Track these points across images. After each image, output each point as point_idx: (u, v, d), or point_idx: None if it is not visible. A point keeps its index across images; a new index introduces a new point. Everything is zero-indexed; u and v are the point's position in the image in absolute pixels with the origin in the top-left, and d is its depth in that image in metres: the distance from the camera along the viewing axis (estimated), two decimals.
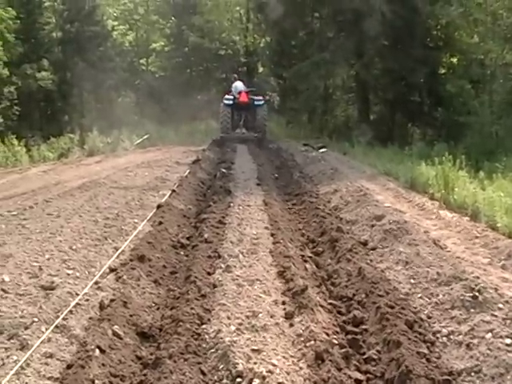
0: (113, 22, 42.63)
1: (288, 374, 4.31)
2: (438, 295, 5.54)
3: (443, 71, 26.78)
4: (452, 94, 24.64)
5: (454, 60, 26.37)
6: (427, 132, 26.12)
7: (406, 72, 24.15)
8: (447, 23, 24.18)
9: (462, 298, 5.29)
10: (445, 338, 4.86)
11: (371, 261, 7.01)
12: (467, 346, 4.65)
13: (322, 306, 5.46)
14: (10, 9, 29.20)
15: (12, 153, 22.89)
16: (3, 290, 5.63)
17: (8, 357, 4.50)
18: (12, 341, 4.73)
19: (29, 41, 32.21)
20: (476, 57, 23.88)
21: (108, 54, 37.77)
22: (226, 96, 23.70)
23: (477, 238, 7.53)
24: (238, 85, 24.44)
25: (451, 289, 5.53)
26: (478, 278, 5.62)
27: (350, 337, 4.98)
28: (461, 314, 5.09)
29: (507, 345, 4.46)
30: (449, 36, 25.74)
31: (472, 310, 5.09)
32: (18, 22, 30.25)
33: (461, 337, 4.79)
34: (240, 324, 5.08)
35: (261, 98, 24.28)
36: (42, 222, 8.73)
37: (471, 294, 5.27)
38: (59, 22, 36.27)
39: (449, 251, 6.86)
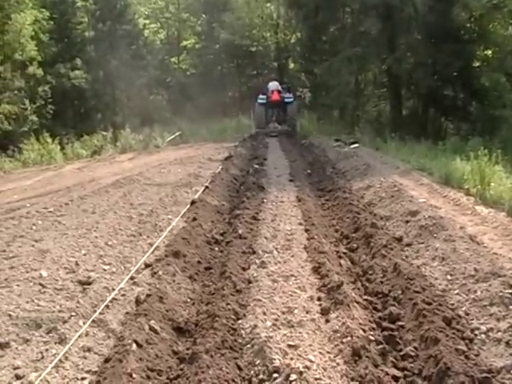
0: (144, 20, 43.01)
1: (325, 369, 4.29)
2: (475, 292, 5.44)
3: (477, 64, 26.29)
4: (487, 87, 24.24)
5: (489, 53, 25.90)
6: (461, 126, 25.71)
7: (440, 66, 23.85)
8: (481, 15, 23.76)
9: (500, 294, 5.19)
10: (483, 335, 4.77)
11: (407, 257, 6.93)
12: (507, 343, 4.57)
13: (357, 302, 5.41)
14: (43, 10, 29.67)
15: (46, 150, 23.29)
16: (41, 284, 5.72)
17: (47, 350, 4.59)
18: (51, 334, 4.81)
19: (62, 40, 32.76)
20: (511, 49, 23.44)
21: (140, 53, 38.13)
22: (260, 96, 26.10)
23: None
24: (272, 84, 26.80)
25: (489, 285, 5.43)
26: None
27: (386, 333, 4.92)
28: (500, 311, 4.99)
29: None
30: (483, 28, 25.24)
31: (511, 307, 5.00)
32: (52, 22, 30.80)
33: (500, 334, 4.71)
34: (276, 319, 5.07)
35: (291, 95, 26.31)
36: (77, 218, 8.85)
37: (510, 291, 5.19)
38: (91, 21, 36.77)
39: (486, 247, 6.75)
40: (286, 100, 25.97)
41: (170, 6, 45.92)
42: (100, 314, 5.25)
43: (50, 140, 24.06)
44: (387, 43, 26.53)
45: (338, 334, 4.78)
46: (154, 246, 7.44)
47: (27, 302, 5.29)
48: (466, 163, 11.31)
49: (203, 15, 42.55)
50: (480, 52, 26.13)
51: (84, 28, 36.70)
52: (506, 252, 6.55)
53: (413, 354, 4.57)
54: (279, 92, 26.31)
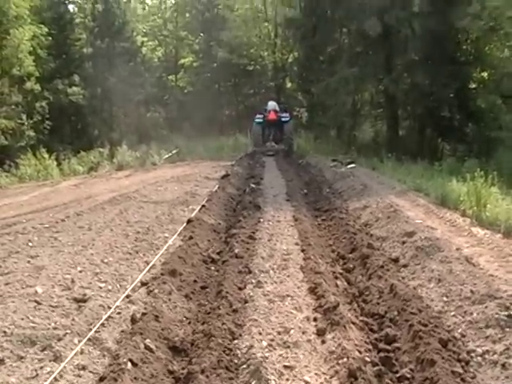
0: (142, 37, 43.25)
1: None
2: (471, 313, 5.44)
3: (473, 86, 26.43)
4: (483, 108, 24.35)
5: (485, 74, 26.06)
6: (457, 147, 25.69)
7: (436, 87, 23.96)
8: (477, 37, 23.94)
9: (496, 316, 5.19)
10: (479, 358, 4.77)
11: (403, 278, 6.94)
12: (502, 365, 4.57)
13: (353, 323, 5.41)
14: (42, 25, 29.82)
15: (43, 166, 23.26)
16: (36, 301, 5.70)
17: (41, 368, 4.56)
18: (45, 352, 4.78)
19: (60, 56, 32.89)
20: (507, 71, 23.53)
21: (137, 70, 38.26)
22: (257, 115, 27.15)
23: (510, 255, 7.37)
24: (270, 104, 27.56)
25: (485, 307, 5.43)
26: None
27: (382, 355, 4.91)
28: (496, 333, 4.99)
29: None
30: (479, 50, 25.44)
31: (507, 329, 4.99)
32: (50, 38, 30.92)
33: (496, 356, 4.71)
34: (272, 340, 5.06)
35: (287, 114, 26.98)
36: (73, 234, 8.85)
37: (506, 313, 5.19)
38: (90, 38, 36.96)
39: (482, 269, 6.75)
40: (283, 119, 26.65)
41: (168, 24, 46.25)
42: (95, 331, 5.22)
43: (46, 156, 24.04)
44: (384, 64, 26.68)
45: (334, 355, 4.76)
46: (151, 264, 7.43)
47: (22, 319, 5.26)
48: (462, 184, 11.33)
49: (201, 34, 42.80)
50: (476, 74, 26.28)
51: (82, 44, 36.89)
52: (502, 274, 6.55)
53: (409, 375, 4.55)
54: (276, 112, 26.98)
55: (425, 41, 23.67)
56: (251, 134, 28.29)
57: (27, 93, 28.29)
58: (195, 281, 7.02)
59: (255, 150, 26.49)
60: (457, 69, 23.70)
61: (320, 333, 5.26)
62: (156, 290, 6.25)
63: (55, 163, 24.05)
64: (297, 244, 8.51)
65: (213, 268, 7.73)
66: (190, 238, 8.69)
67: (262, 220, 10.31)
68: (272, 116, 26.76)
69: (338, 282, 6.78)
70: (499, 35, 23.74)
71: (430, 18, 23.43)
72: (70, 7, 37.67)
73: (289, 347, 4.96)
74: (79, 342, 5.00)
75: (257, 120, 26.96)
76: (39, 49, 29.68)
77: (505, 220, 8.75)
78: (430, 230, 8.58)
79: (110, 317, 5.61)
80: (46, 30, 30.17)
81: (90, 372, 4.63)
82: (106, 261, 7.38)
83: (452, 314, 5.62)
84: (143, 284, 6.70)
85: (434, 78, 23.55)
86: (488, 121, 23.61)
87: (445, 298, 6.00)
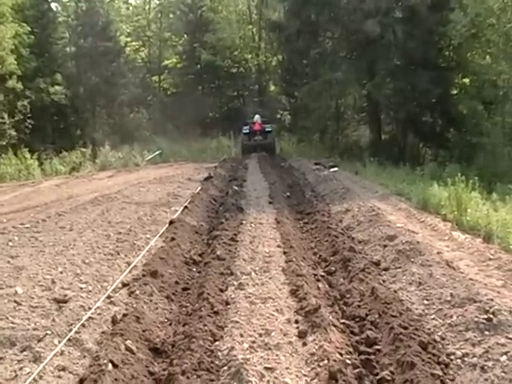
0: (126, 38, 42.98)
1: None
2: (451, 317, 5.48)
3: (455, 92, 26.74)
4: (464, 114, 24.64)
5: (467, 81, 26.33)
6: (439, 153, 26.00)
7: (418, 92, 24.20)
8: (459, 44, 24.16)
9: (476, 319, 5.23)
10: (459, 360, 4.80)
11: (384, 281, 6.96)
12: (482, 368, 4.59)
13: (334, 326, 5.41)
14: (24, 24, 29.57)
15: (24, 166, 23.09)
16: (16, 302, 5.66)
17: (21, 369, 4.52)
18: (25, 353, 4.75)
19: (42, 55, 32.61)
20: (488, 78, 23.74)
21: (121, 70, 38.10)
22: (244, 127, 29.96)
23: (490, 259, 7.46)
24: (256, 117, 30.51)
25: (465, 310, 5.47)
26: (491, 300, 5.57)
27: (363, 357, 4.93)
28: (475, 336, 5.03)
29: None
30: (461, 57, 25.74)
31: (486, 333, 5.03)
32: (33, 36, 30.64)
33: (475, 359, 4.73)
34: (253, 342, 5.06)
35: (269, 125, 30.21)
36: (54, 235, 8.79)
37: (485, 316, 5.22)
38: (73, 37, 36.80)
39: (462, 273, 6.81)
40: (267, 129, 29.64)
41: (151, 25, 46.13)
42: (76, 332, 5.19)
43: (28, 155, 23.90)
44: (367, 68, 26.82)
45: (315, 357, 4.77)
46: (132, 265, 7.40)
47: (1, 320, 5.23)
48: (444, 189, 11.41)
49: (185, 35, 42.68)
50: (458, 80, 26.57)
51: (65, 43, 36.71)
52: (482, 278, 6.62)
53: (389, 378, 4.57)
54: (260, 124, 29.90)
55: (407, 46, 23.84)
56: (240, 140, 30.65)
57: (9, 91, 28.07)
58: (177, 282, 7.01)
59: (241, 150, 29.71)
60: (439, 75, 23.92)
61: (301, 335, 5.26)
62: (137, 291, 6.23)
63: (37, 163, 23.90)
64: (279, 246, 8.51)
65: (194, 269, 7.72)
66: (172, 239, 8.68)
67: (244, 222, 10.31)
68: (257, 127, 29.61)
69: (320, 285, 6.79)
70: (481, 42, 24.00)
71: (412, 23, 23.63)
72: (53, 5, 37.55)
73: (270, 349, 4.96)
74: (59, 342, 4.96)
75: (244, 131, 29.74)
76: (21, 47, 29.43)
77: (485, 225, 8.84)
78: (411, 234, 8.63)
79: (90, 318, 5.57)
80: (29, 28, 29.97)
81: (70, 373, 4.60)
82: (87, 261, 7.34)
83: (432, 317, 5.65)
84: (124, 285, 6.67)
85: (417, 84, 23.74)
86: (469, 126, 23.86)
87: (425, 301, 6.03)
